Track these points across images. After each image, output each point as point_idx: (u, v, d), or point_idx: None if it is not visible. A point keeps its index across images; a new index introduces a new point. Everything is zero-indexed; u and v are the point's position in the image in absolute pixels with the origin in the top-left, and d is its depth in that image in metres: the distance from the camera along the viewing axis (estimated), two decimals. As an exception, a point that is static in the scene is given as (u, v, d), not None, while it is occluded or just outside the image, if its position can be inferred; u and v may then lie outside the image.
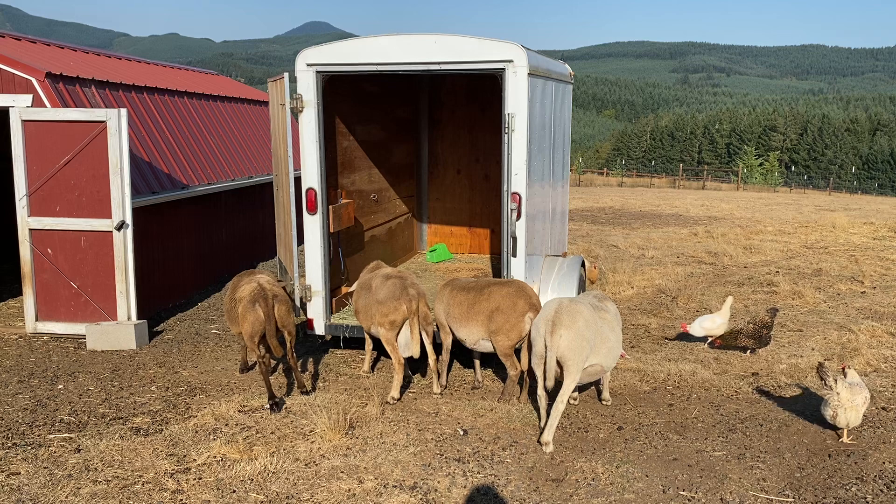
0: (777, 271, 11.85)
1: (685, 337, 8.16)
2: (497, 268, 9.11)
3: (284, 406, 6.17)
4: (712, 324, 7.83)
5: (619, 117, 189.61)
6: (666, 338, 8.35)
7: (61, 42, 11.54)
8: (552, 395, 5.57)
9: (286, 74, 7.34)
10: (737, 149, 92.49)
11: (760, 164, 64.02)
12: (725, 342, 7.71)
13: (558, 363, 5.49)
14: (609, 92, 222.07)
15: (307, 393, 6.47)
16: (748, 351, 7.69)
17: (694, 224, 18.56)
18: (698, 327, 7.86)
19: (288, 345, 6.41)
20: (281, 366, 7.33)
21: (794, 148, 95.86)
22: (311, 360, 7.53)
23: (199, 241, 10.71)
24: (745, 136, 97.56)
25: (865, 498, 4.73)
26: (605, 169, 67.04)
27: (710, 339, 7.88)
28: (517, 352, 6.32)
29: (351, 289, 7.14)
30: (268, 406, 6.12)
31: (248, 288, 6.31)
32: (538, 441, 5.49)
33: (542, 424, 5.63)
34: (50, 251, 8.24)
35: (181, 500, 4.66)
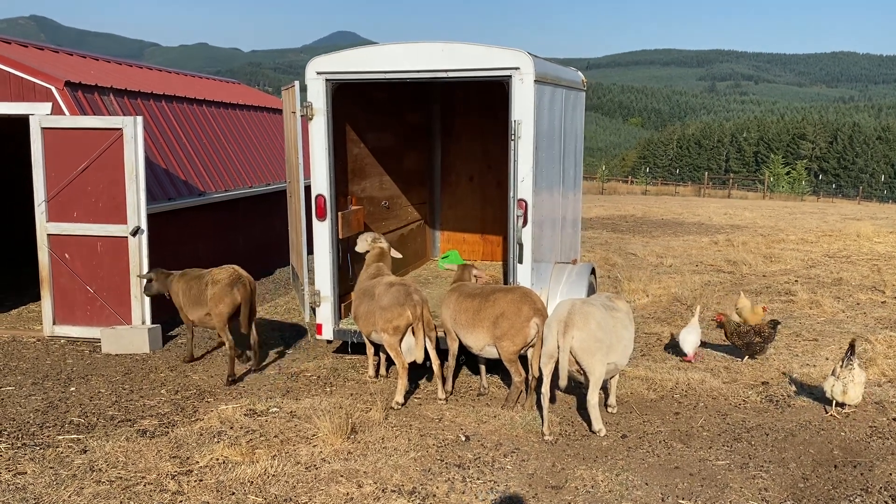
0: (796, 280, 11.69)
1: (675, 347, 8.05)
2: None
3: (291, 410, 6.22)
4: (686, 338, 7.66)
5: (646, 125, 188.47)
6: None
7: (91, 52, 11.79)
8: (572, 397, 5.56)
9: (297, 83, 7.43)
10: (764, 157, 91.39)
11: (787, 173, 63.18)
12: (724, 328, 7.70)
13: (578, 364, 5.65)
14: (635, 100, 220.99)
15: (247, 370, 7.15)
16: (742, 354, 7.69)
17: (715, 232, 18.37)
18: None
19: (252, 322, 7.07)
20: (296, 365, 7.39)
21: (823, 156, 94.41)
22: (319, 365, 7.58)
23: (216, 248, 10.84)
24: (773, 144, 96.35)
25: (869, 509, 4.65)
26: (630, 177, 66.57)
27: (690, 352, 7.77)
28: (522, 358, 6.32)
29: None
30: (227, 382, 6.96)
31: (226, 272, 6.56)
32: (591, 431, 5.80)
33: (543, 427, 5.74)
34: (67, 256, 8.40)
35: (181, 501, 4.72)
